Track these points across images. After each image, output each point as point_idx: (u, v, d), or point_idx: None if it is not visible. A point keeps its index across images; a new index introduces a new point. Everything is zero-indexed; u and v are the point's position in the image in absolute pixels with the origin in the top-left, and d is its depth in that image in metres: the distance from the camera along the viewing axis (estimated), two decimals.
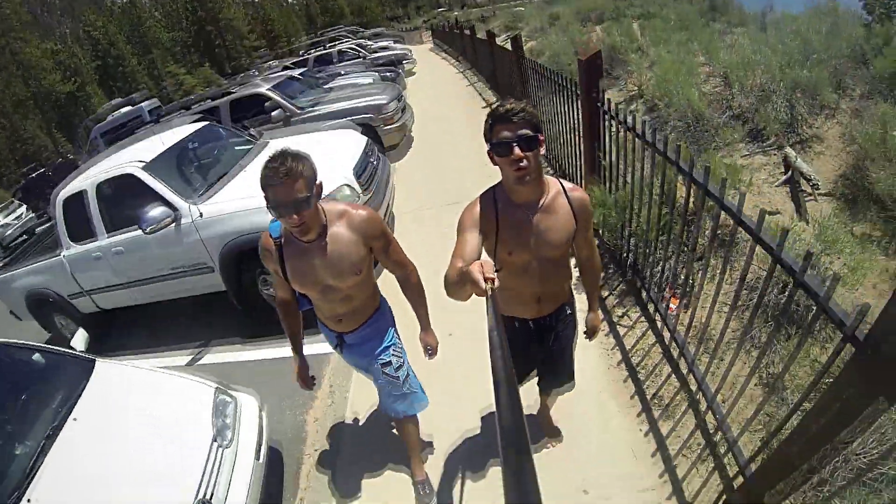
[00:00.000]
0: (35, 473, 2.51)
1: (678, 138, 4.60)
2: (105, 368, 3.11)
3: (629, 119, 3.09)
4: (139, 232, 3.79)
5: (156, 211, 3.68)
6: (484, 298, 1.26)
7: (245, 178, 4.31)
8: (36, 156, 32.30)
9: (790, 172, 4.00)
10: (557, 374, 2.49)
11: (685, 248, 3.06)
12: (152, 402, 2.99)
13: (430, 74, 18.29)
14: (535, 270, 1.95)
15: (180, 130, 4.99)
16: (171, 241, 3.90)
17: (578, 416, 3.02)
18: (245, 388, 3.26)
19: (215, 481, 2.65)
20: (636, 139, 3.03)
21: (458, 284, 1.56)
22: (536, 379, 2.56)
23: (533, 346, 2.29)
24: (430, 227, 5.51)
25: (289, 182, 1.73)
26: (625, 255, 3.62)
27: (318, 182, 1.87)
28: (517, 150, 1.65)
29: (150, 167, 4.12)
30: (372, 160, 4.79)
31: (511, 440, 0.63)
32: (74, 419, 2.73)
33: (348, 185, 4.16)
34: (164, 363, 4.32)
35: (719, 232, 3.09)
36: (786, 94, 4.55)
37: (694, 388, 2.86)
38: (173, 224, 3.76)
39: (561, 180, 1.90)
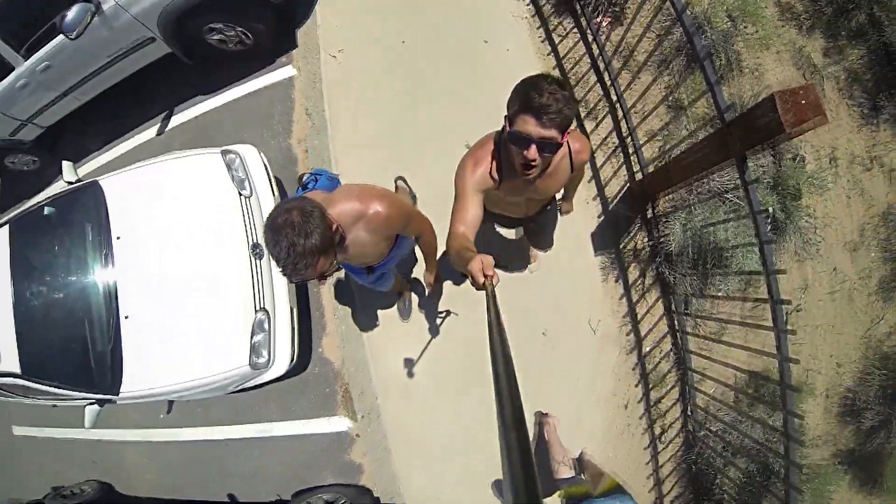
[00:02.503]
0: (117, 294, 3.17)
1: None
2: (111, 183, 3.36)
3: None
4: (61, 39, 3.31)
5: (73, 11, 3.15)
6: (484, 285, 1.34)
7: None
8: None
9: None
10: (539, 243, 2.98)
11: None
12: (172, 188, 3.30)
13: None
14: (525, 203, 2.07)
15: None
16: (102, 33, 3.44)
17: None
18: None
19: (254, 227, 3.26)
20: None
21: (459, 264, 1.57)
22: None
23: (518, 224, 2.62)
24: None
25: (309, 270, 1.53)
26: None
27: (337, 233, 1.63)
28: (533, 151, 1.53)
29: None
30: None
31: (511, 433, 0.65)
32: (118, 238, 3.21)
33: None
34: (135, 145, 4.40)
35: None
36: None
37: (614, 98, 3.42)
38: (97, 16, 3.25)
39: (569, 140, 1.72)
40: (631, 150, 3.38)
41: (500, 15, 3.62)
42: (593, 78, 3.58)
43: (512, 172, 1.72)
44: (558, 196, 2.41)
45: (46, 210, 3.29)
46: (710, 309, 3.41)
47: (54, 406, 3.66)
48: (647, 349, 3.53)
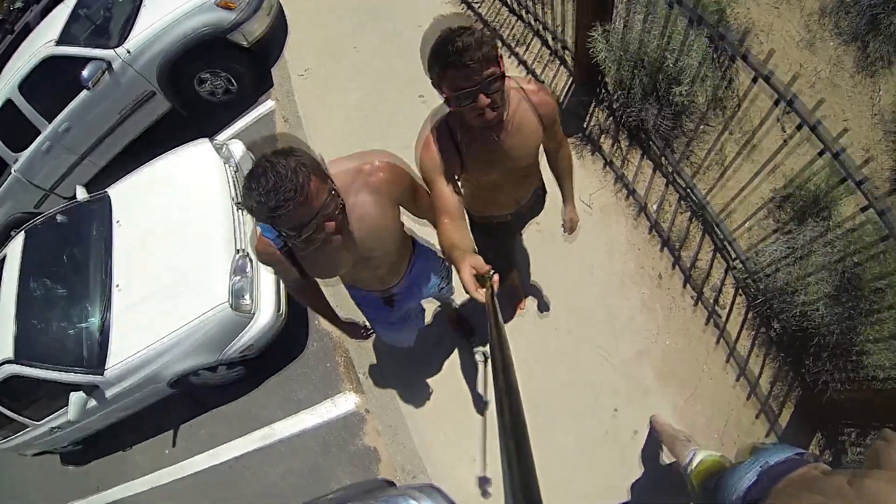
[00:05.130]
0: (112, 264, 3.35)
1: None
2: (118, 188, 3.77)
3: None
4: (78, 99, 4.12)
5: (89, 67, 3.95)
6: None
7: (148, 8, 4.20)
8: None
9: None
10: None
11: None
12: (166, 172, 3.64)
13: None
14: (508, 181, 1.84)
15: None
16: (112, 88, 4.13)
17: None
18: None
19: (238, 185, 3.46)
20: None
21: (452, 261, 1.45)
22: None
23: (510, 238, 2.49)
24: None
25: (304, 193, 1.24)
26: None
27: (325, 169, 1.37)
28: (483, 99, 1.39)
29: (63, 39, 4.08)
30: None
31: (511, 437, 0.67)
32: (117, 222, 3.50)
33: None
34: None
35: None
36: None
37: (535, 24, 3.84)
38: (108, 73, 4.02)
39: (520, 83, 1.63)
40: (561, 51, 3.64)
41: (431, 5, 4.33)
42: (514, 19, 4.06)
43: (470, 142, 1.60)
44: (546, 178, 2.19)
45: (59, 217, 3.64)
46: (698, 147, 3.16)
47: (52, 430, 3.44)
48: (654, 207, 3.17)
